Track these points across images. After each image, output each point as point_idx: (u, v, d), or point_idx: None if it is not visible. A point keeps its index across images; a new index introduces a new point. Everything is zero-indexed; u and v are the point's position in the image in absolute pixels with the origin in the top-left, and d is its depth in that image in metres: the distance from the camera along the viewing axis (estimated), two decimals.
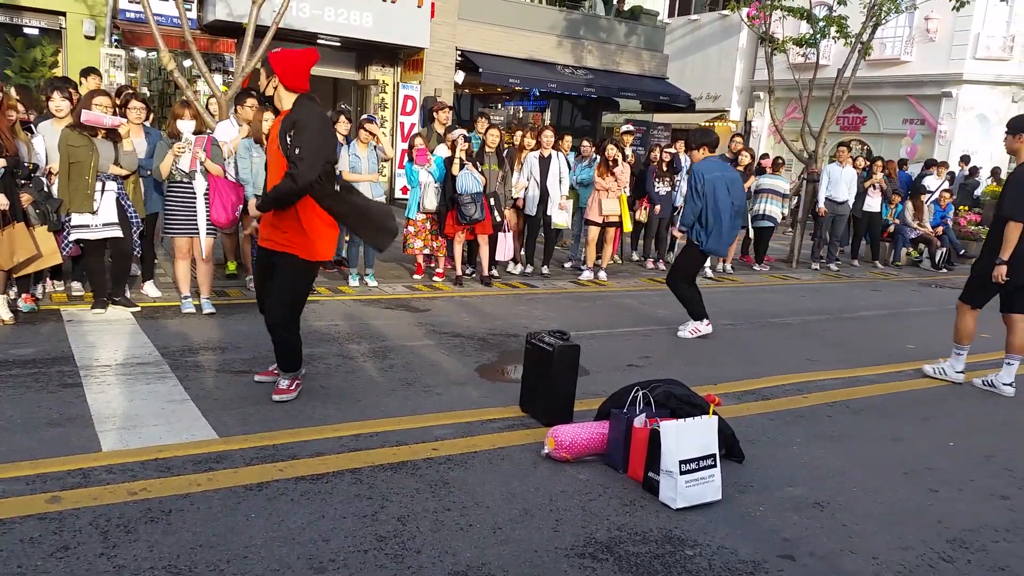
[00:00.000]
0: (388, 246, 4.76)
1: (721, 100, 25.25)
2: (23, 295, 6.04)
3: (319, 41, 14.95)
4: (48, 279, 6.58)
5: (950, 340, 5.99)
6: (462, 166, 7.93)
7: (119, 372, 4.81)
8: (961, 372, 5.95)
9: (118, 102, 6.67)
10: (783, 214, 11.55)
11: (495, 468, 3.78)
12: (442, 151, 8.31)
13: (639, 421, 3.74)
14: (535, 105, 21.05)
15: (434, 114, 9.51)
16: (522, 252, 9.57)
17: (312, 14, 14.08)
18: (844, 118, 22.62)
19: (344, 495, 3.36)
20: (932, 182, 13.64)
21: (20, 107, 6.05)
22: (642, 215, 10.37)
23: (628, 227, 9.66)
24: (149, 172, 6.45)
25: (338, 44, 15.35)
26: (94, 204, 5.84)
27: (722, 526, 3.35)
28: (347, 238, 8.29)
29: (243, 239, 7.48)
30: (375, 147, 8.02)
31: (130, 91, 8.08)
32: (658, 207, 10.18)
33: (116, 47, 13.59)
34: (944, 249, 13.01)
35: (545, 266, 9.61)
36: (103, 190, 5.89)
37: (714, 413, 3.72)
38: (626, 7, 21.49)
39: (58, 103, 6.11)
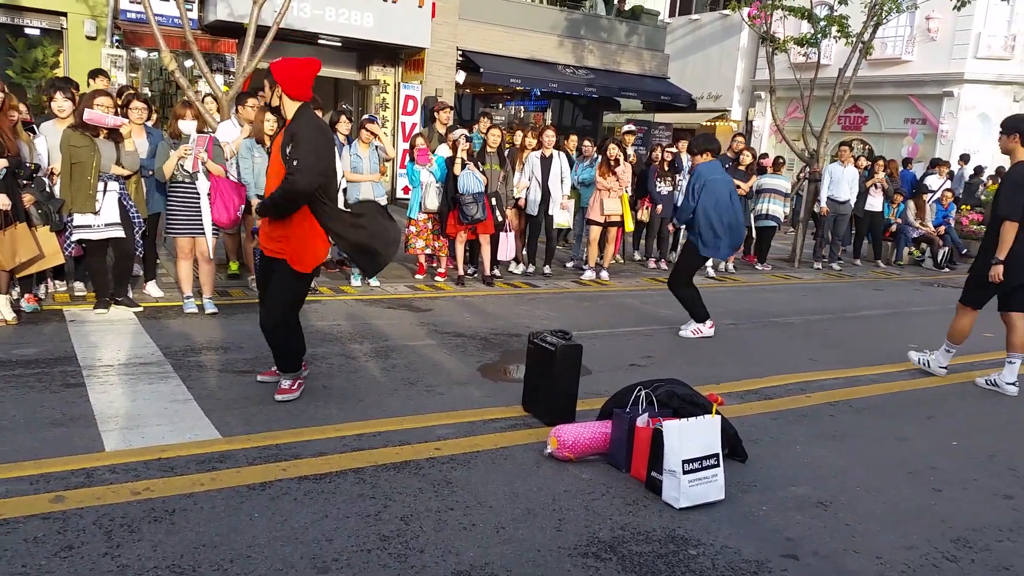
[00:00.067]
0: (377, 272, 4.73)
1: (722, 100, 25.23)
2: (26, 295, 6.05)
3: (320, 41, 14.95)
4: (50, 279, 6.59)
5: None
6: (464, 166, 7.94)
7: (122, 372, 4.81)
8: (944, 368, 6.02)
9: (120, 102, 6.67)
10: (785, 213, 11.55)
11: (498, 468, 3.78)
12: (444, 151, 8.31)
13: (642, 421, 3.73)
14: (536, 105, 21.04)
15: (435, 114, 9.52)
16: (524, 252, 9.57)
17: (313, 14, 14.08)
18: (845, 118, 22.60)
19: (347, 495, 3.37)
20: (934, 181, 13.63)
21: (22, 107, 6.05)
22: (644, 215, 10.37)
23: (630, 227, 9.65)
24: (151, 172, 6.46)
25: (339, 44, 15.35)
26: (96, 204, 5.85)
27: (725, 526, 3.35)
28: None
29: (245, 239, 7.48)
30: (376, 147, 8.03)
31: (131, 91, 8.08)
32: (660, 207, 10.17)
33: (117, 47, 13.60)
34: (946, 248, 13.00)
35: (547, 266, 9.60)
36: (105, 190, 5.90)
37: (717, 413, 3.71)
38: (627, 7, 21.48)
39: (60, 103, 6.11)
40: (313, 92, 4.34)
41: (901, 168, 14.65)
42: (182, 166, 6.16)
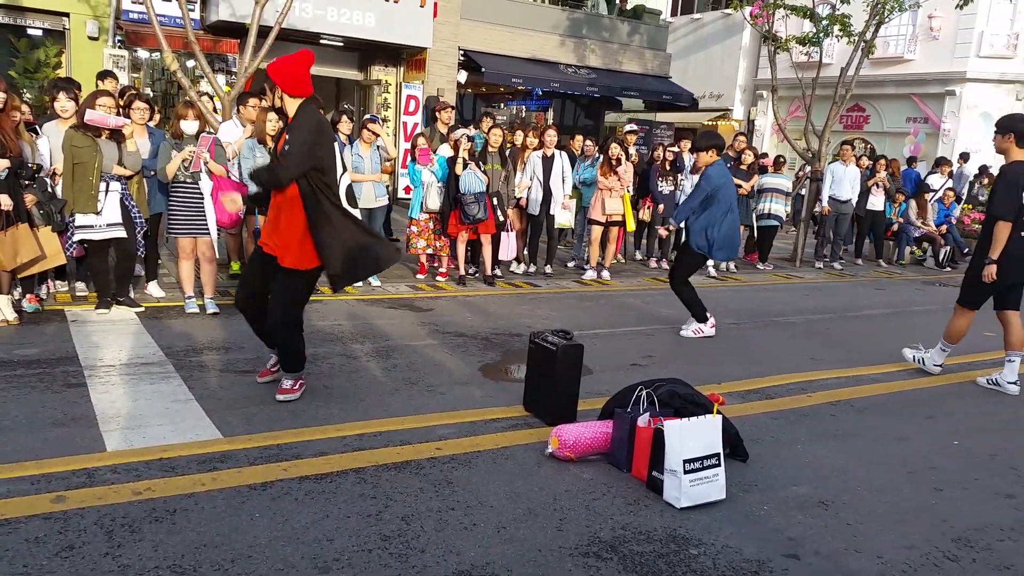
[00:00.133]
0: (341, 289, 4.45)
1: (724, 99, 25.21)
2: (27, 295, 6.06)
3: (322, 41, 14.96)
4: (52, 279, 6.60)
5: None
6: (465, 166, 7.94)
7: (123, 372, 4.82)
8: (939, 366, 6.03)
9: (122, 103, 6.68)
10: (787, 212, 11.54)
11: (499, 467, 3.78)
12: (445, 151, 8.31)
13: (643, 420, 3.73)
14: (538, 104, 21.05)
15: (437, 114, 9.52)
16: (525, 252, 9.57)
17: (315, 14, 14.09)
18: (847, 117, 22.56)
19: (348, 495, 3.37)
20: (936, 180, 13.61)
21: (24, 108, 6.06)
22: (645, 214, 10.36)
23: (631, 226, 9.66)
24: (153, 172, 6.47)
25: (341, 44, 15.36)
26: (98, 205, 5.86)
27: (726, 525, 3.34)
28: None
29: (247, 239, 7.49)
30: (378, 147, 8.03)
31: (133, 92, 8.09)
32: (661, 206, 10.16)
33: (119, 48, 13.61)
34: (948, 248, 12.98)
35: (548, 266, 9.60)
36: (107, 191, 5.91)
37: (718, 412, 3.71)
38: (629, 6, 21.46)
39: (63, 103, 6.12)
40: (314, 91, 4.33)
41: (905, 167, 14.62)
42: (184, 166, 6.17)
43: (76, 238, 5.94)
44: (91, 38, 13.51)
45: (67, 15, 13.45)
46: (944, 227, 12.92)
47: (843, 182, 11.46)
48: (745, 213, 10.45)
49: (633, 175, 9.62)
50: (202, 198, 6.30)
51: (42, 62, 13.67)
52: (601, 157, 9.32)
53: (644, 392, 3.90)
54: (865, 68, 12.93)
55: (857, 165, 11.77)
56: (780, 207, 11.11)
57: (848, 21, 12.05)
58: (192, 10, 12.91)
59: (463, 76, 17.28)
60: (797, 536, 3.29)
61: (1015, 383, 5.66)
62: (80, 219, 5.85)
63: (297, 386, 4.53)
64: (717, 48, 25.40)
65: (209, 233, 6.38)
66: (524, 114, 20.45)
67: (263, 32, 8.87)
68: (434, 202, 8.15)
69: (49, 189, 5.77)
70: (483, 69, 17.25)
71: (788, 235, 14.34)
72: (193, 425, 4.04)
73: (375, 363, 5.40)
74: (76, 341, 5.37)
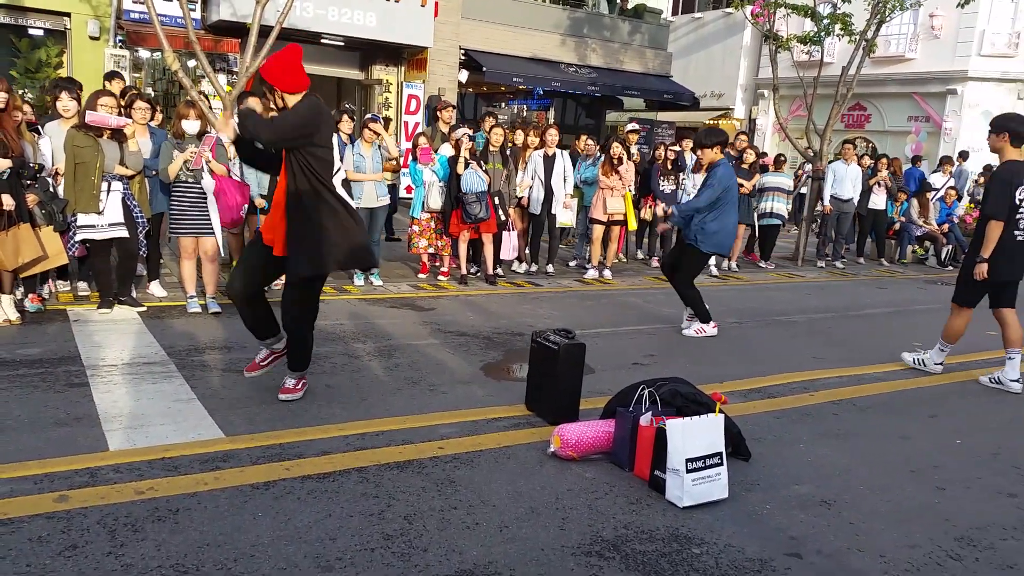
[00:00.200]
0: (301, 276, 4.19)
1: (725, 98, 25.20)
2: (29, 295, 6.06)
3: (323, 41, 14.97)
4: (54, 279, 6.60)
5: None
6: (467, 165, 7.94)
7: (125, 372, 4.82)
8: (940, 365, 6.04)
9: (123, 103, 6.68)
10: (788, 211, 11.54)
11: (501, 467, 3.77)
12: (446, 150, 8.31)
13: (645, 419, 3.73)
14: (539, 104, 21.04)
15: (438, 113, 9.52)
16: (527, 251, 9.57)
17: (316, 14, 14.09)
18: (849, 116, 22.54)
19: (350, 494, 3.37)
20: (938, 179, 13.59)
21: (26, 108, 6.07)
22: (647, 213, 10.36)
23: (633, 225, 9.66)
24: (154, 172, 6.47)
25: (342, 44, 15.36)
26: (100, 204, 5.86)
27: (729, 524, 3.34)
28: None
29: (248, 238, 7.48)
30: (380, 146, 8.03)
31: (135, 91, 8.10)
32: (663, 205, 10.16)
33: (120, 48, 13.62)
34: (950, 246, 12.97)
35: (550, 265, 9.60)
36: (109, 190, 5.91)
37: (720, 411, 3.71)
38: (630, 5, 21.45)
39: (65, 103, 6.12)
40: (312, 88, 4.30)
41: (909, 166, 14.60)
42: (187, 167, 6.17)
43: (78, 238, 5.94)
44: (92, 38, 13.53)
45: (68, 15, 13.46)
46: (946, 226, 12.91)
47: (845, 181, 11.47)
48: (747, 212, 10.45)
49: (635, 174, 9.62)
50: (204, 198, 6.30)
51: (43, 62, 13.69)
52: (603, 156, 9.32)
53: (646, 391, 3.90)
54: (866, 67, 12.92)
55: (859, 164, 11.76)
56: (782, 206, 11.11)
57: (849, 20, 12.05)
58: (193, 10, 12.93)
59: (464, 75, 17.29)
60: (799, 535, 3.29)
61: (1017, 380, 5.66)
62: (82, 219, 5.86)
63: (300, 385, 4.53)
64: (718, 47, 25.39)
65: (213, 233, 6.38)
66: (525, 113, 20.45)
67: (264, 32, 8.88)
68: (436, 201, 8.15)
69: (51, 189, 5.77)
70: (484, 68, 17.25)
71: (790, 234, 14.33)
72: (195, 424, 4.05)
73: (377, 362, 5.40)
74: (78, 341, 5.37)
